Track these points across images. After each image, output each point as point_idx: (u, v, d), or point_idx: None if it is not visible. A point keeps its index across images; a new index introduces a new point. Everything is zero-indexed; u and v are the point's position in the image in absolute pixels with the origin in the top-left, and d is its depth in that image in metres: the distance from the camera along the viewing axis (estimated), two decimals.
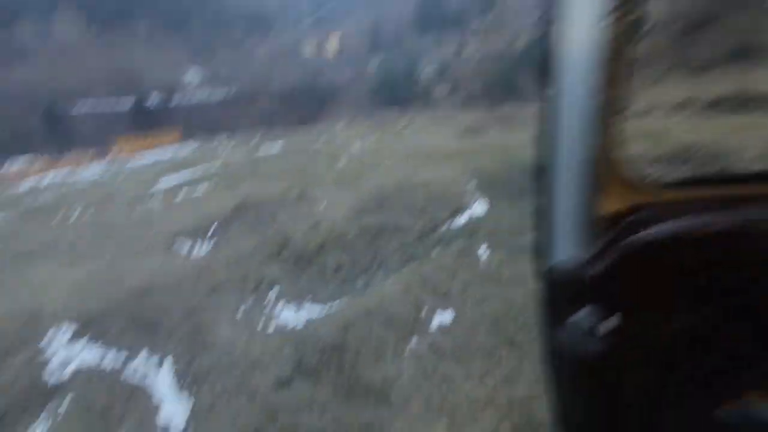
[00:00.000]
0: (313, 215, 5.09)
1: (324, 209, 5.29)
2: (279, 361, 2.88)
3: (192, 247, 4.80)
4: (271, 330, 3.21)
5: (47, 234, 6.40)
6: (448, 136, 10.24)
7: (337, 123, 15.32)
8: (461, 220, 4.67)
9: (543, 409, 2.25)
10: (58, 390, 2.80)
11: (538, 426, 2.17)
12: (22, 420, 2.62)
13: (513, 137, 8.49)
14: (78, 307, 3.54)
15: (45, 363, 2.99)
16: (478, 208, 4.94)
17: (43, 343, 3.17)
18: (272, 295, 3.68)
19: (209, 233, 5.05)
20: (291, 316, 3.41)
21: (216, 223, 5.32)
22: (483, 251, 3.92)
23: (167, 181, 9.14)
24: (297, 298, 3.65)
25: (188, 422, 2.57)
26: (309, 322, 3.27)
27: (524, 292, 3.26)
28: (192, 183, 8.66)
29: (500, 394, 2.41)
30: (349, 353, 2.85)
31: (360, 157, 9.02)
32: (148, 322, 3.33)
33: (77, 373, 2.91)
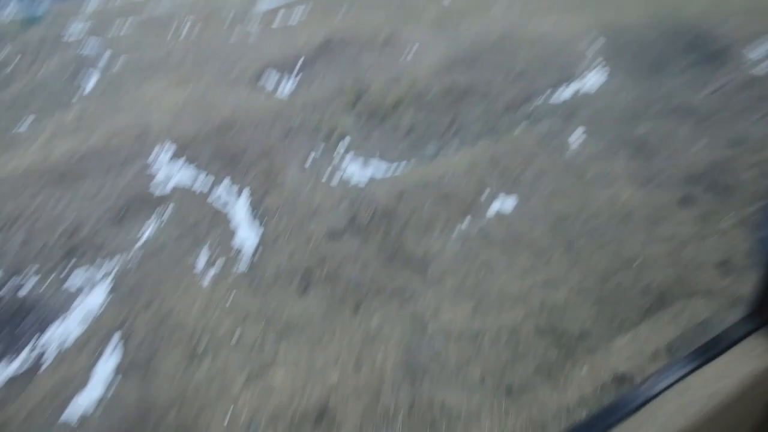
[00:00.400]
0: (398, 65, 4.69)
1: (411, 58, 4.82)
2: (335, 214, 3.08)
3: (277, 83, 4.85)
4: (334, 183, 3.36)
5: (161, 48, 6.86)
6: None
7: None
8: (565, 93, 3.99)
9: (573, 322, 2.22)
10: (162, 200, 3.37)
11: (561, 335, 2.17)
12: (138, 219, 3.27)
13: None
14: (178, 130, 3.97)
15: (152, 176, 3.55)
16: (593, 79, 4.12)
17: (150, 158, 3.71)
18: (342, 146, 3.73)
19: (294, 70, 5.00)
20: (356, 171, 3.49)
21: (302, 59, 5.20)
22: (576, 137, 3.41)
23: (266, 3, 8.82)
24: (365, 153, 3.67)
25: (256, 249, 3.00)
26: (371, 182, 3.34)
27: (605, 196, 2.89)
28: (290, 6, 8.27)
29: (535, 294, 2.39)
30: (399, 220, 2.94)
31: None
32: (231, 154, 3.67)
33: (176, 190, 3.44)
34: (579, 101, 3.81)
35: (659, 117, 3.48)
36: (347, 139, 3.80)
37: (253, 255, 2.96)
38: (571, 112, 3.69)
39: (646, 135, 3.31)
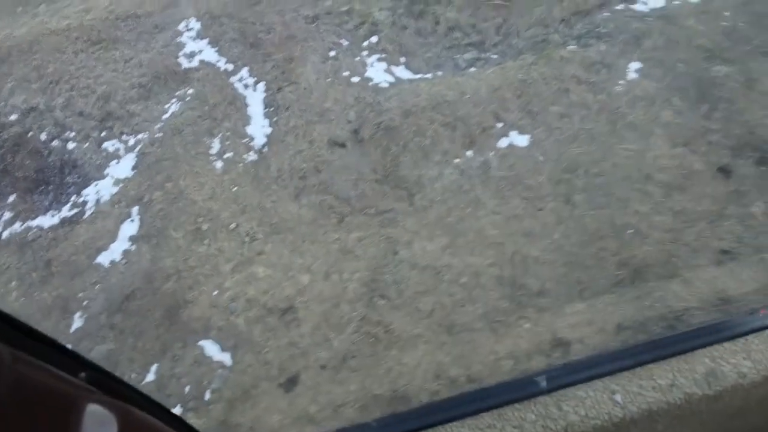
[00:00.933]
0: None
1: None
2: (342, 121, 3.03)
3: None
4: (350, 85, 3.21)
5: None
6: None
7: None
8: (644, 5, 3.25)
9: (536, 278, 2.22)
10: (187, 75, 3.44)
11: (518, 288, 2.21)
12: (164, 93, 3.41)
13: None
14: (204, 5, 3.81)
15: (180, 48, 3.57)
16: None
17: (179, 28, 3.68)
18: (368, 42, 3.45)
19: None
20: (377, 74, 3.28)
21: None
22: (632, 70, 2.90)
23: None
24: (392, 54, 3.38)
25: (264, 144, 3.10)
26: (387, 89, 3.15)
27: (633, 150, 2.57)
28: None
29: (511, 243, 2.36)
30: (402, 139, 2.85)
31: None
32: (252, 39, 3.54)
33: (202, 65, 3.47)
34: (658, 18, 3.12)
35: (750, 57, 2.82)
36: (376, 33, 3.49)
37: (261, 149, 3.07)
38: (643, 31, 3.06)
39: (719, 80, 2.74)
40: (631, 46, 2.99)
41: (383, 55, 3.39)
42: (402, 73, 3.32)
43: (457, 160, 2.72)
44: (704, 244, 2.17)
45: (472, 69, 3.26)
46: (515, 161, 2.66)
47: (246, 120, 3.26)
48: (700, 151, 2.50)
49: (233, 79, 3.41)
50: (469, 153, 2.73)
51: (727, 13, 3.05)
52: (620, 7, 3.23)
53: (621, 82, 2.84)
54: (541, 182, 2.56)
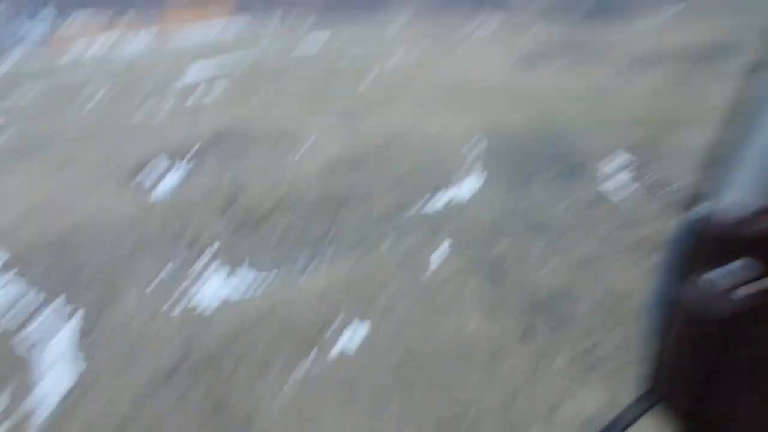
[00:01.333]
0: (284, 164, 4.66)
1: (299, 157, 4.82)
2: (166, 353, 2.78)
3: (158, 177, 4.62)
4: (177, 310, 3.08)
5: (56, 122, 6.49)
6: (501, 63, 8.67)
7: (394, 22, 13.53)
8: (440, 201, 4.06)
9: None
10: None
11: None
12: None
13: (569, 81, 6.98)
14: (18, 235, 3.58)
15: None
16: (468, 186, 4.25)
17: None
18: (197, 264, 3.49)
19: (182, 163, 4.82)
20: (206, 295, 3.21)
21: (195, 150, 5.05)
22: (437, 255, 3.40)
23: (194, 73, 8.75)
24: (227, 268, 3.44)
25: (71, 392, 2.60)
26: (215, 311, 3.08)
27: (453, 326, 2.82)
28: (213, 80, 8.26)
29: None
30: (232, 362, 2.68)
31: (389, 77, 7.99)
32: (68, 271, 3.32)
33: None
34: (450, 212, 3.88)
35: (518, 233, 3.58)
36: (210, 247, 3.58)
37: (65, 400, 2.55)
38: (440, 224, 3.72)
39: (502, 254, 3.36)
40: (437, 231, 3.57)
41: (216, 270, 3.42)
42: (234, 285, 3.34)
43: (294, 374, 2.61)
44: (534, 406, 2.29)
45: (306, 271, 3.45)
46: (353, 360, 2.66)
47: (31, 383, 2.75)
48: (504, 318, 2.85)
49: (39, 317, 3.00)
50: (308, 360, 2.67)
51: (501, 200, 3.94)
52: (423, 200, 3.96)
53: (432, 265, 3.27)
54: (381, 377, 2.55)
